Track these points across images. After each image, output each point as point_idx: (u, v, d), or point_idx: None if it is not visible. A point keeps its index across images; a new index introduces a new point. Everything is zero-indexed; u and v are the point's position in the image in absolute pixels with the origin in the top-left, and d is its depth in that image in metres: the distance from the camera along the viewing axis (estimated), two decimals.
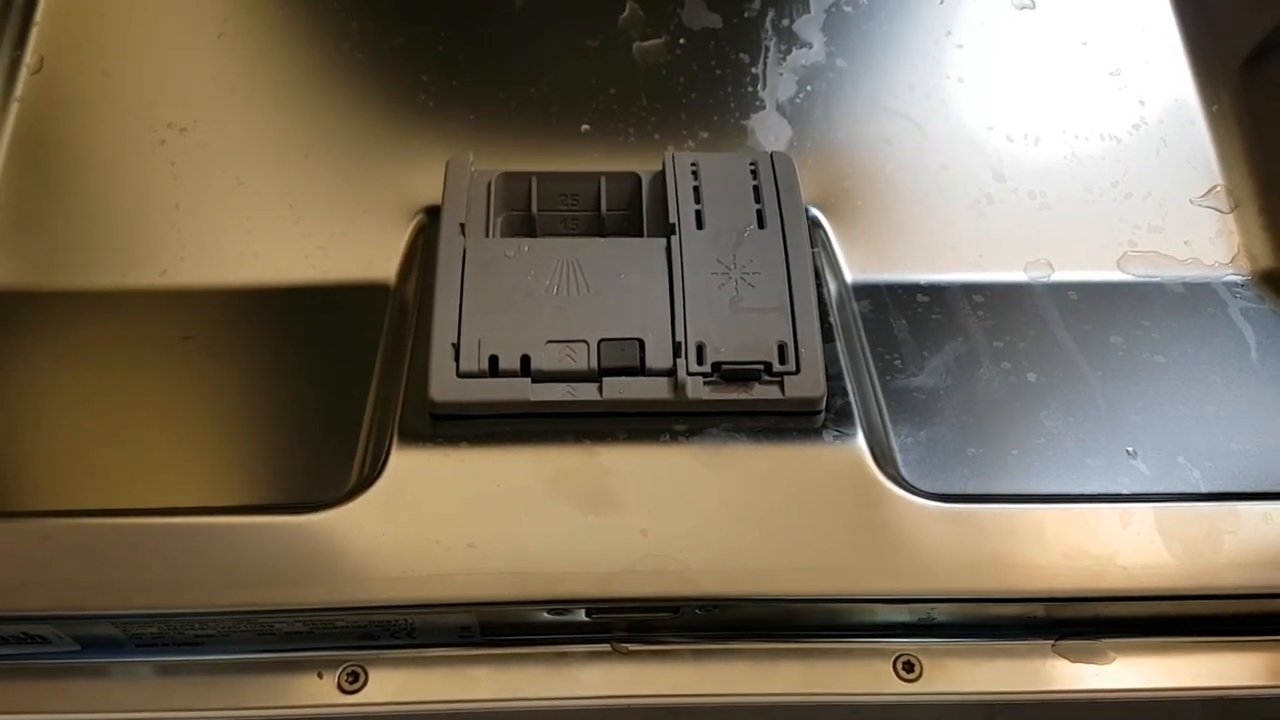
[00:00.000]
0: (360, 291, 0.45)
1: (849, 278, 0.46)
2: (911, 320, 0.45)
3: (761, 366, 0.39)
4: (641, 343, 0.39)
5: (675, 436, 0.39)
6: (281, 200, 0.47)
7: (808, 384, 0.39)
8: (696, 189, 0.44)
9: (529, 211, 0.45)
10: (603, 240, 0.43)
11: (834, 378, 0.41)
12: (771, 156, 0.45)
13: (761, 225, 0.42)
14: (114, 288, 0.45)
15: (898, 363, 0.43)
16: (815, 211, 0.48)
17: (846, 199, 0.48)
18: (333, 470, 0.38)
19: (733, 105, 0.51)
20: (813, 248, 0.45)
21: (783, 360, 0.39)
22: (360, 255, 0.46)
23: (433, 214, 0.47)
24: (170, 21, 0.53)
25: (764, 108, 0.51)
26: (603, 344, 0.39)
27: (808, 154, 0.50)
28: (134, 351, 0.43)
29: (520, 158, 0.49)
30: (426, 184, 0.48)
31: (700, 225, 0.42)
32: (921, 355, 0.43)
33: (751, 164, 0.45)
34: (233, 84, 0.51)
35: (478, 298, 0.40)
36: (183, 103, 0.50)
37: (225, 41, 0.52)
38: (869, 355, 0.43)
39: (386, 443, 0.38)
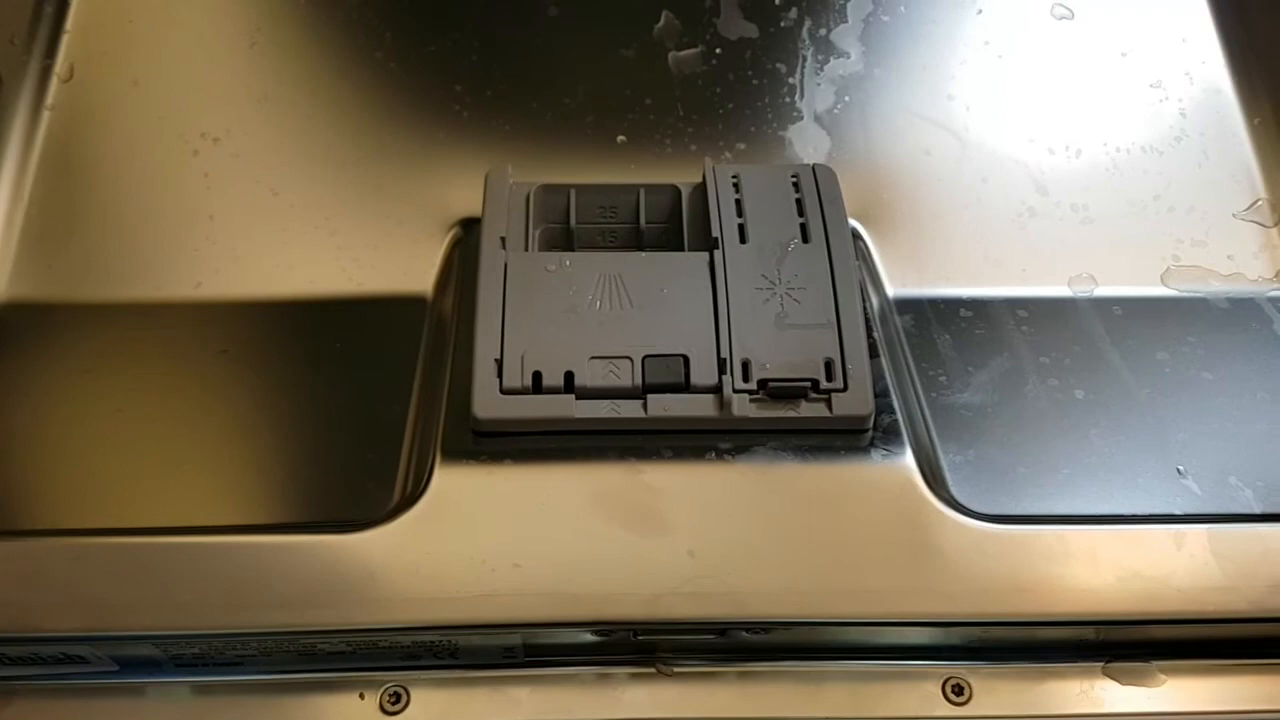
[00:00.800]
0: (397, 305, 0.44)
1: (890, 292, 0.45)
2: (955, 335, 0.44)
3: (808, 384, 0.38)
4: (686, 359, 0.39)
5: (721, 455, 0.38)
6: (316, 212, 0.47)
7: (856, 401, 0.38)
8: (738, 202, 0.43)
9: (567, 224, 0.45)
10: (644, 255, 0.42)
11: (880, 394, 0.40)
12: (814, 169, 0.44)
13: (806, 239, 0.42)
14: (147, 300, 0.44)
15: (943, 379, 0.42)
16: (855, 224, 0.47)
17: (886, 211, 0.48)
18: (375, 488, 0.38)
19: (770, 116, 0.51)
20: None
21: (830, 377, 0.38)
22: (396, 267, 0.46)
23: (468, 226, 0.46)
24: (201, 30, 0.52)
25: (802, 118, 0.50)
26: (647, 360, 0.39)
27: (846, 165, 0.49)
28: (168, 365, 0.42)
29: (557, 170, 0.49)
30: (461, 195, 0.47)
31: (744, 239, 0.42)
32: (967, 371, 0.43)
33: (794, 176, 0.44)
34: (265, 93, 0.50)
35: (520, 313, 0.40)
36: (215, 112, 0.50)
37: (257, 51, 0.52)
38: (914, 372, 0.42)
39: (429, 460, 0.38)
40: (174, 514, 0.38)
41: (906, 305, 0.45)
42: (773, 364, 0.39)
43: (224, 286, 0.45)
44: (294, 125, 0.49)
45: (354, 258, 0.46)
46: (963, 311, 0.45)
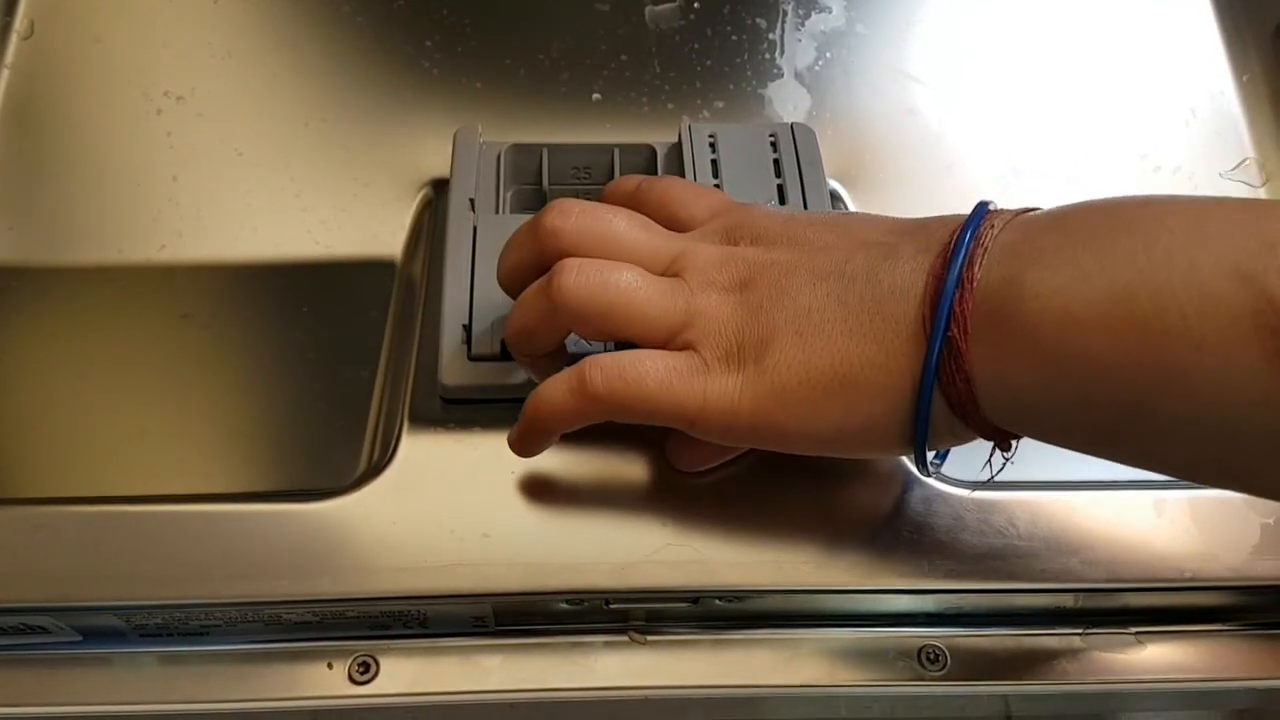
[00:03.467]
0: (365, 268, 0.43)
1: None
2: None
3: None
4: None
5: None
6: (282, 173, 0.46)
7: None
8: (714, 162, 0.42)
9: (540, 185, 0.44)
10: None
11: None
12: (792, 128, 0.43)
13: (782, 200, 0.41)
14: (109, 263, 0.43)
15: None
16: (835, 185, 0.46)
17: (868, 172, 0.47)
18: (341, 456, 0.37)
19: (749, 73, 0.49)
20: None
21: None
22: (364, 230, 0.44)
23: (439, 187, 0.45)
24: None
25: (782, 76, 0.49)
26: None
27: (827, 124, 0.48)
28: (131, 330, 0.41)
29: (530, 128, 0.47)
30: (432, 156, 0.46)
31: None
32: None
33: (771, 135, 0.43)
34: (229, 50, 0.49)
35: (489, 278, 0.38)
36: (179, 70, 0.48)
37: (221, 6, 0.50)
38: None
39: (396, 428, 0.37)
40: (136, 483, 0.37)
41: None
42: None
43: (188, 250, 0.44)
44: (259, 83, 0.48)
45: (321, 220, 0.45)
46: None
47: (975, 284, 0.29)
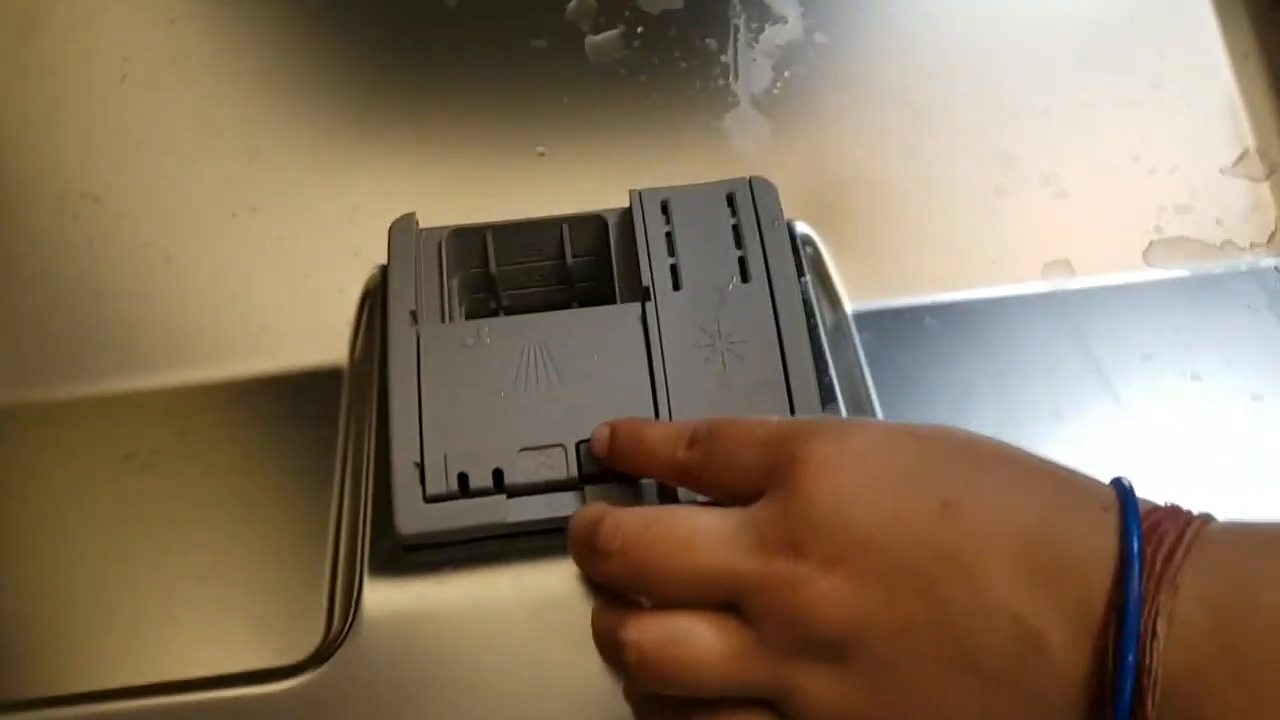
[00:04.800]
0: (311, 378, 0.41)
1: (847, 306, 0.41)
2: (920, 351, 0.40)
3: None
4: None
5: None
6: (213, 274, 0.43)
7: None
8: (669, 236, 0.39)
9: (486, 268, 0.41)
10: (569, 314, 0.38)
11: None
12: (750, 183, 0.40)
13: (745, 278, 0.38)
14: (38, 401, 0.41)
15: (908, 408, 0.39)
16: (803, 227, 0.43)
17: (837, 206, 0.43)
18: (299, 619, 0.35)
19: (702, 103, 0.45)
20: (801, 276, 0.40)
21: None
22: (307, 331, 0.42)
23: (384, 271, 0.42)
24: (65, 62, 0.47)
25: (738, 104, 0.45)
26: (581, 446, 0.35)
27: (789, 155, 0.44)
28: (65, 476, 0.39)
29: (472, 195, 0.44)
30: (368, 233, 0.43)
31: (677, 285, 0.38)
32: (936, 397, 0.39)
33: (729, 193, 0.40)
34: (144, 138, 0.45)
35: (438, 402, 0.36)
36: (91, 166, 0.45)
37: (130, 85, 0.46)
38: (876, 404, 0.39)
39: (355, 585, 0.35)
40: (72, 675, 0.35)
41: (866, 320, 0.41)
42: None
43: (121, 379, 0.41)
44: (180, 173, 0.45)
45: (260, 325, 0.42)
46: (928, 320, 0.41)
47: (1156, 679, 0.22)
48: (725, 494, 0.29)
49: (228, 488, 0.38)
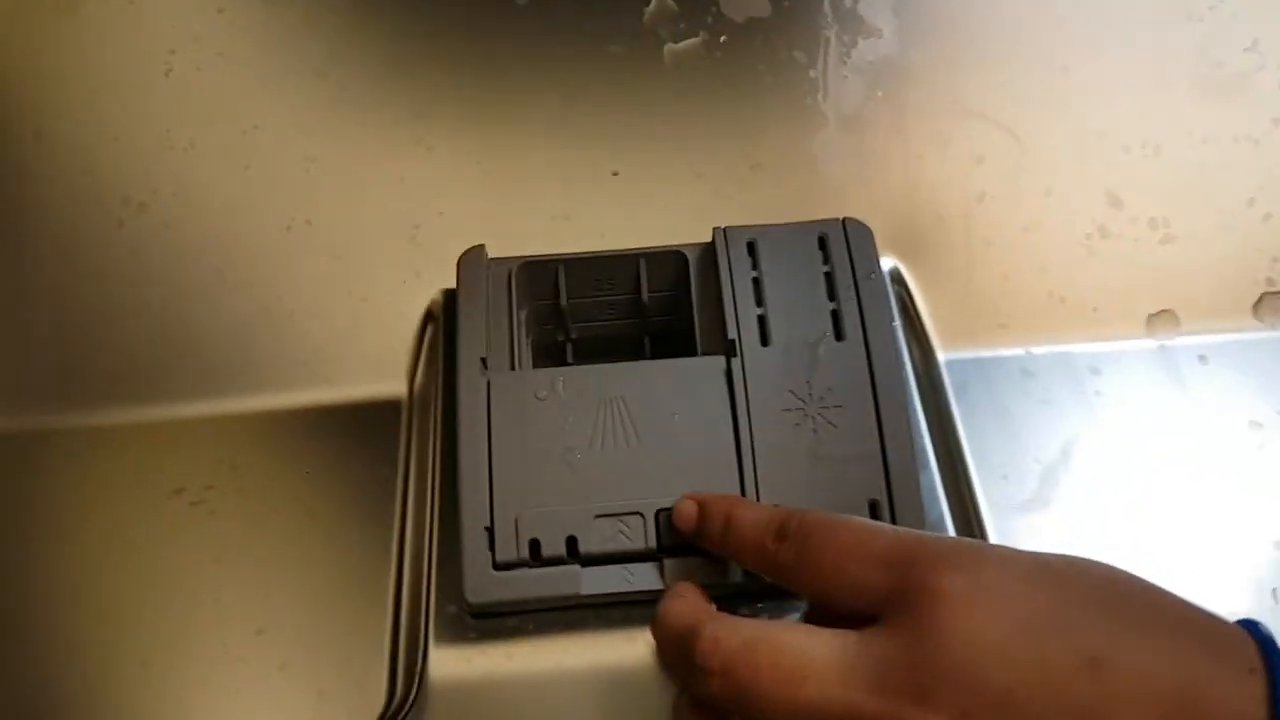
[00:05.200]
0: (369, 411, 0.39)
1: (940, 354, 0.39)
2: (1018, 407, 0.38)
3: None
4: None
5: None
6: (267, 292, 0.41)
7: None
8: (756, 283, 0.36)
9: (557, 301, 0.38)
10: (648, 365, 0.36)
11: (934, 522, 0.35)
12: (844, 226, 0.37)
13: (839, 335, 0.35)
14: (82, 426, 0.39)
15: (1006, 478, 0.37)
16: (893, 262, 0.40)
17: (931, 240, 0.41)
18: (359, 685, 0.33)
19: (787, 122, 0.43)
20: (890, 321, 0.38)
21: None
22: (365, 360, 0.40)
23: (448, 299, 0.40)
24: (105, 51, 0.44)
25: (826, 124, 0.42)
26: (661, 515, 0.33)
27: (879, 182, 0.42)
28: (113, 511, 0.37)
29: (541, 211, 0.41)
30: (432, 251, 0.41)
31: (765, 339, 0.35)
32: (1034, 463, 0.37)
33: (821, 235, 0.37)
34: (191, 139, 0.43)
35: (509, 460, 0.34)
36: (134, 167, 0.42)
37: (174, 80, 0.44)
38: (972, 473, 0.36)
39: (420, 652, 0.33)
40: None
41: (959, 368, 0.39)
42: (806, 507, 0.33)
43: (173, 405, 0.39)
44: (230, 182, 0.42)
45: (317, 349, 0.40)
46: (1025, 371, 0.39)
47: None
48: (823, 600, 0.27)
49: (282, 529, 0.36)
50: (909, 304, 0.40)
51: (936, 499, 0.35)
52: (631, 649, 0.33)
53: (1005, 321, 0.40)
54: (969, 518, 0.36)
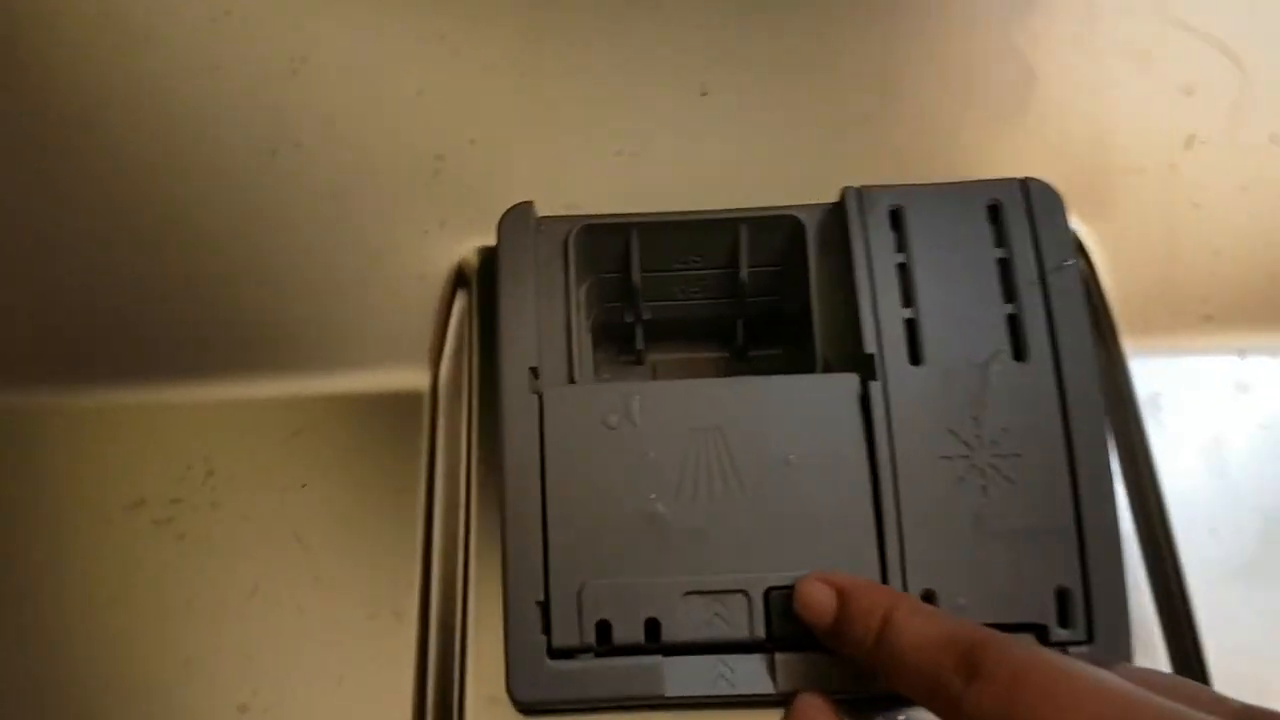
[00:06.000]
0: (381, 406, 0.30)
1: (1125, 345, 0.30)
2: (1229, 432, 0.29)
3: (1031, 632, 0.25)
4: None
5: None
6: (242, 243, 0.31)
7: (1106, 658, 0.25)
8: (904, 271, 0.27)
9: (627, 275, 0.29)
10: (754, 383, 0.27)
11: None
12: (1026, 191, 0.27)
13: (1019, 353, 0.26)
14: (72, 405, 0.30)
15: (1215, 533, 0.28)
16: (1072, 224, 0.30)
17: (1119, 202, 0.31)
18: None
19: (937, 37, 0.32)
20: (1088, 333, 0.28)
21: (1065, 622, 0.25)
22: (375, 340, 0.31)
23: (484, 267, 0.30)
24: None
25: (985, 36, 0.32)
26: (771, 595, 0.25)
27: (1055, 121, 0.31)
28: (53, 524, 0.29)
29: (602, 145, 0.31)
30: (460, 192, 0.31)
31: (917, 356, 0.26)
32: (1255, 512, 0.28)
33: (991, 204, 0.27)
34: (146, 33, 0.32)
35: (569, 511, 0.25)
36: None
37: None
38: (1171, 524, 0.28)
39: None
40: None
41: (1149, 375, 0.29)
42: (971, 597, 0.25)
43: (113, 390, 0.30)
44: (191, 87, 0.32)
45: (307, 320, 0.31)
46: (1240, 384, 0.29)
47: None
48: None
49: (267, 563, 0.28)
50: (1090, 286, 0.30)
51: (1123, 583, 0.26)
52: None
53: (1213, 312, 0.30)
54: (1169, 587, 0.27)
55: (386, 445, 0.29)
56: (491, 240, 0.28)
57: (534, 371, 0.26)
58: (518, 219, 0.28)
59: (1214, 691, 0.22)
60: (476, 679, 0.26)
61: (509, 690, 0.25)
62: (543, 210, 0.29)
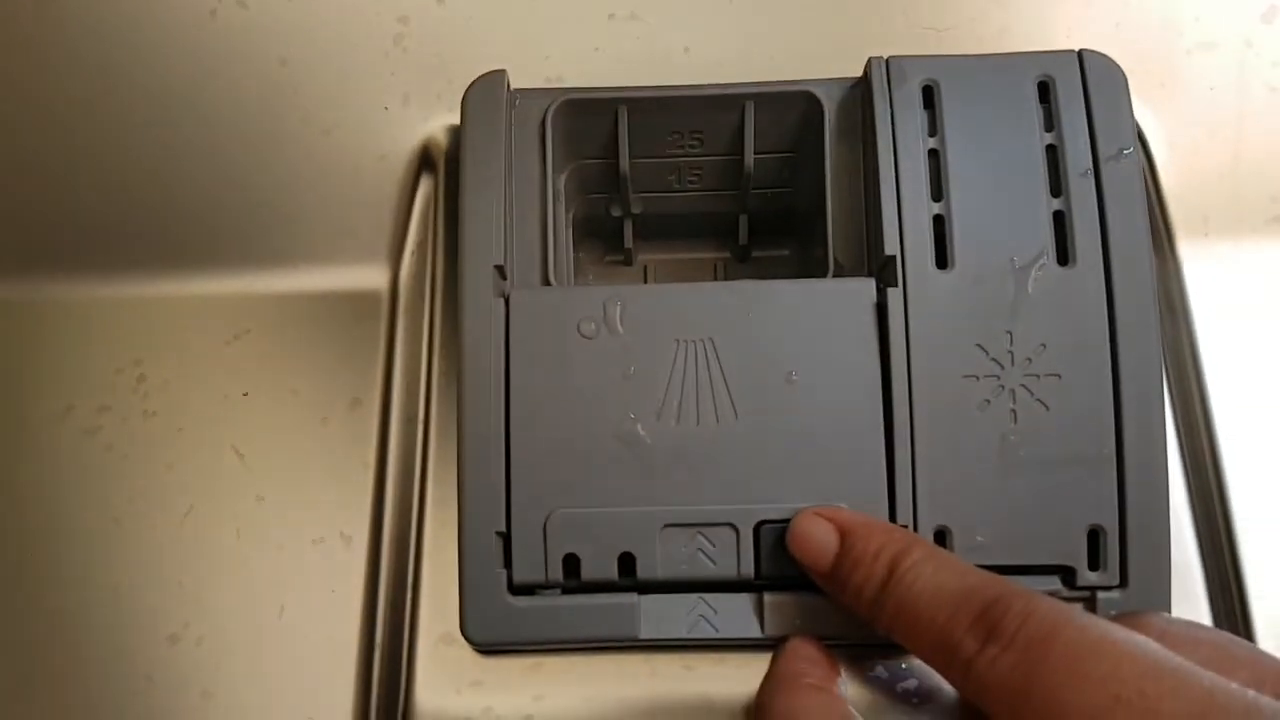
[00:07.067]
0: (333, 307, 0.26)
1: (1182, 251, 0.26)
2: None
3: (1055, 574, 0.22)
4: None
5: (902, 696, 0.22)
6: (178, 116, 0.27)
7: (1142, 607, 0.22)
8: (935, 159, 0.23)
9: (615, 160, 0.25)
10: (753, 287, 0.23)
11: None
12: (1081, 64, 0.23)
13: (1065, 257, 0.22)
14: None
15: (1268, 484, 0.24)
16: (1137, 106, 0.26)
17: (1184, 81, 0.27)
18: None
19: None
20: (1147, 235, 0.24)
21: (1095, 563, 0.21)
22: (327, 233, 0.27)
23: (452, 141, 0.27)
24: None
25: None
26: (763, 529, 0.22)
27: None
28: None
29: (597, 11, 0.27)
30: (424, 63, 0.27)
31: (945, 259, 0.22)
32: None
33: (1041, 80, 0.23)
34: None
35: (537, 433, 0.22)
36: None
37: None
38: (1222, 463, 0.24)
39: (401, 692, 0.23)
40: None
41: (1208, 278, 0.26)
42: (990, 534, 0.21)
43: (34, 282, 0.27)
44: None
45: (251, 208, 0.27)
46: None
47: None
48: None
49: (206, 476, 0.25)
50: (1146, 176, 0.26)
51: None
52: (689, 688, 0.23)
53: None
54: (1214, 529, 0.24)
55: (339, 351, 0.26)
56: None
57: (500, 271, 0.23)
58: (486, 91, 0.24)
59: (1254, 648, 0.19)
60: (431, 613, 0.23)
61: (462, 628, 0.22)
62: (519, 82, 0.25)
